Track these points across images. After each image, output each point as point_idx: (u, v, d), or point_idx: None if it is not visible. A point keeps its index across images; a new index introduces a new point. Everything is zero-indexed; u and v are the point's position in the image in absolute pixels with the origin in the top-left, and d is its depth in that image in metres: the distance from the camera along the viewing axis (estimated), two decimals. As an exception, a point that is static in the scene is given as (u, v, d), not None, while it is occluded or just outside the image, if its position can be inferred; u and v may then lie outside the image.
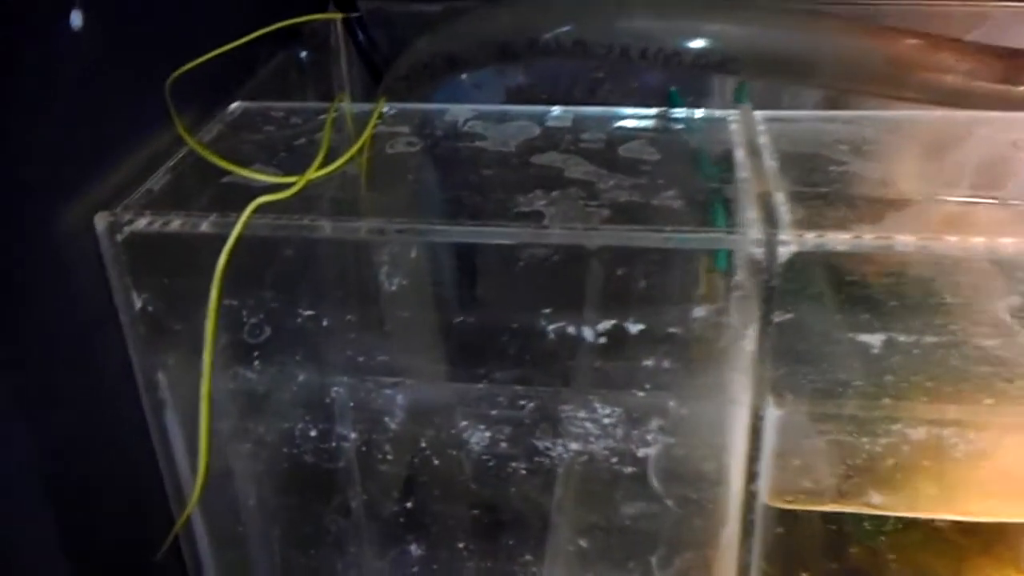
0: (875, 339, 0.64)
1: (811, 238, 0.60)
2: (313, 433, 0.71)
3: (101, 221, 0.62)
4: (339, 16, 0.90)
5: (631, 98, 0.87)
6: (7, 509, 0.60)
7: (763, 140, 0.71)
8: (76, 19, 0.61)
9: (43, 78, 0.59)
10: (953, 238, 0.59)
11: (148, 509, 0.70)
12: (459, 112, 0.75)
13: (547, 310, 0.65)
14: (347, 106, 0.75)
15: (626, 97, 0.89)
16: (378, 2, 0.97)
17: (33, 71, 0.58)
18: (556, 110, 0.75)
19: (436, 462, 0.72)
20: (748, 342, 0.62)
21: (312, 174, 0.65)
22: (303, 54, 0.90)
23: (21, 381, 0.57)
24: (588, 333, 0.65)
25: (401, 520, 0.77)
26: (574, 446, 0.69)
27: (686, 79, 0.84)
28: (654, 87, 0.89)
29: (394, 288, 0.70)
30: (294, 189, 0.63)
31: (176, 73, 0.68)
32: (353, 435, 0.72)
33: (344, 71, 0.96)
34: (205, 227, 0.62)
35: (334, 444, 0.72)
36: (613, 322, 0.65)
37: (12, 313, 0.56)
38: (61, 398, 0.61)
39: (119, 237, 0.62)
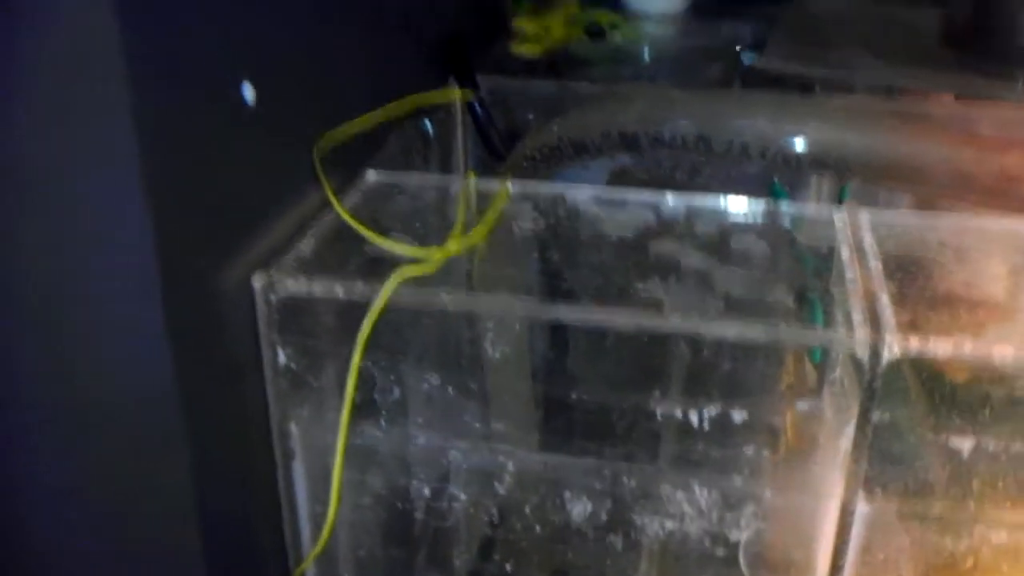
0: (964, 443, 0.66)
1: (914, 343, 0.62)
2: (425, 492, 0.75)
3: (258, 280, 0.67)
4: (461, 96, 0.95)
5: (730, 184, 0.90)
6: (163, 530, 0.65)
7: (867, 240, 0.73)
8: (248, 93, 0.65)
9: (217, 147, 0.63)
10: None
11: (267, 549, 0.74)
12: (580, 194, 0.79)
13: (654, 393, 0.69)
14: (474, 181, 0.79)
15: (726, 184, 0.92)
16: (495, 80, 1.01)
17: (209, 140, 0.62)
18: (670, 198, 0.78)
19: (536, 529, 0.75)
20: (844, 439, 0.65)
21: (451, 245, 0.70)
22: (428, 124, 0.94)
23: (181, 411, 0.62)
24: (693, 417, 0.68)
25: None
26: (668, 524, 0.72)
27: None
28: (753, 174, 0.92)
29: (505, 361, 0.74)
30: (435, 262, 0.68)
31: (325, 140, 0.73)
32: (462, 496, 0.75)
33: (460, 143, 1.00)
34: (350, 292, 0.66)
35: (443, 504, 0.75)
36: (717, 409, 0.68)
37: (171, 355, 0.61)
38: (208, 434, 0.66)
39: (272, 296, 0.67)
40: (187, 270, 0.61)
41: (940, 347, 0.63)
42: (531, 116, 1.01)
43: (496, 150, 0.95)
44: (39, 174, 0.57)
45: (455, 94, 0.96)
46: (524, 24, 1.12)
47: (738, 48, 1.15)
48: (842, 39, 1.07)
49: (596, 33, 1.17)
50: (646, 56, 1.11)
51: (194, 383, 0.62)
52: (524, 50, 1.10)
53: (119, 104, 0.54)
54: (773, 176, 0.86)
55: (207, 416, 0.64)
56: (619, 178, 0.95)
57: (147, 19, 0.55)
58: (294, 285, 0.67)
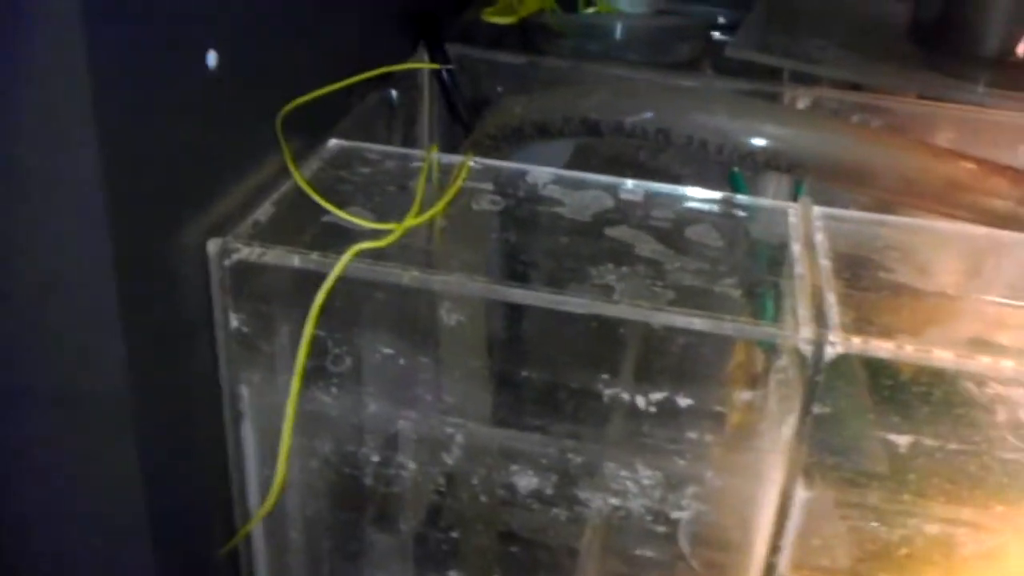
0: (903, 440, 0.68)
1: (856, 343, 0.64)
2: (375, 458, 0.76)
3: (212, 246, 0.68)
4: (434, 67, 0.95)
5: (691, 166, 0.92)
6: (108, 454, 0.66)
7: (819, 237, 0.75)
8: (212, 59, 0.66)
9: (179, 113, 0.64)
10: (986, 359, 0.64)
11: (213, 508, 0.75)
12: (539, 175, 0.80)
13: (603, 375, 0.70)
14: (436, 156, 0.80)
15: (686, 165, 0.93)
16: (464, 49, 1.02)
17: (170, 107, 0.63)
18: (629, 183, 0.79)
19: (482, 498, 0.77)
20: (786, 428, 0.67)
21: (408, 222, 0.71)
22: (393, 93, 0.94)
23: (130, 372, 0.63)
24: (640, 401, 0.70)
25: (443, 547, 0.82)
26: (613, 501, 0.73)
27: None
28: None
29: (456, 335, 0.75)
30: (391, 238, 0.69)
31: (287, 107, 0.74)
32: (410, 464, 0.76)
33: (426, 115, 1.01)
34: (305, 263, 0.67)
35: (392, 471, 0.77)
36: (664, 394, 0.69)
37: (126, 312, 0.61)
38: (157, 393, 0.66)
39: (226, 262, 0.67)
40: (140, 231, 0.61)
41: (882, 348, 0.64)
42: (500, 88, 1.02)
43: (463, 121, 0.96)
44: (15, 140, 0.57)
45: (423, 64, 0.96)
46: (498, -7, 1.12)
47: (710, 31, 1.17)
48: (813, 29, 1.08)
49: (569, 6, 1.17)
50: (618, 32, 1.12)
51: (142, 342, 0.63)
52: (496, 19, 1.11)
53: (76, 66, 0.54)
54: (733, 166, 0.87)
55: (153, 375, 0.65)
56: (584, 151, 0.96)
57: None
58: (249, 253, 0.67)
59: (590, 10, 1.17)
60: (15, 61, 0.55)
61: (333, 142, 0.82)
